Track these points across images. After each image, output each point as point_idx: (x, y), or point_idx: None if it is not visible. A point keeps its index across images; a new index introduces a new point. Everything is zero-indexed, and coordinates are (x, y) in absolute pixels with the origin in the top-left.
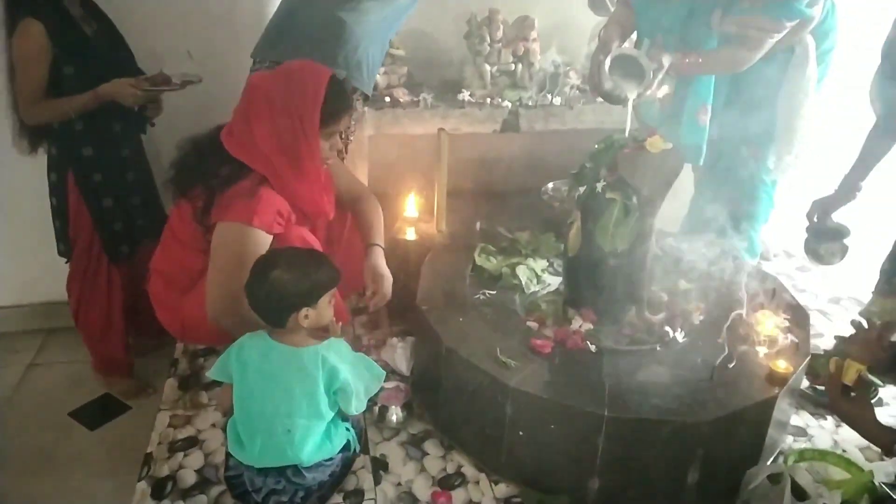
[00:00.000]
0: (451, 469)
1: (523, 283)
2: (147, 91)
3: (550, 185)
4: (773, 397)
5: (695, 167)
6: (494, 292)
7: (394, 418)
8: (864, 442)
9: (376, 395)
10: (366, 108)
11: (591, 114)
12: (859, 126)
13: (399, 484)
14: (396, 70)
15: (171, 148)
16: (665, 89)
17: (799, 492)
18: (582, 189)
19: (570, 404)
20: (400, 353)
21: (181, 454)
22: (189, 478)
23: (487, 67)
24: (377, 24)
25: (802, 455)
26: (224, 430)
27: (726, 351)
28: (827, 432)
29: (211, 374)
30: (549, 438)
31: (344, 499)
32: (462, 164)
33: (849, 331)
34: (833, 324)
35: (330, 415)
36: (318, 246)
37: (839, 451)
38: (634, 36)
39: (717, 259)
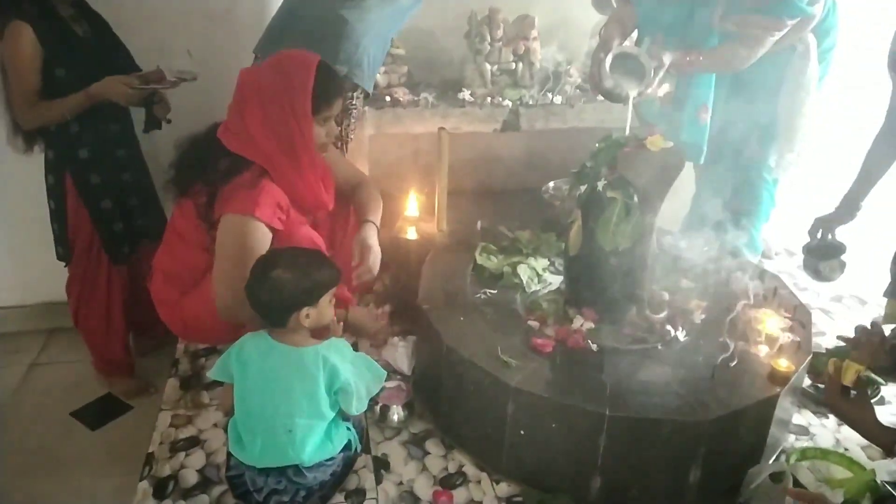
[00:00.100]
0: (452, 468)
1: (524, 282)
2: (140, 88)
3: (551, 183)
4: (775, 396)
5: (696, 165)
6: (495, 291)
7: (395, 418)
8: (866, 441)
9: (377, 394)
10: (366, 108)
11: (592, 112)
12: (859, 126)
13: (400, 483)
14: (397, 69)
15: (171, 148)
16: (666, 88)
17: None
18: (583, 188)
19: (571, 403)
20: (401, 353)
21: (183, 454)
22: (190, 477)
23: (488, 66)
24: (379, 23)
25: (804, 454)
26: (225, 429)
27: (733, 346)
28: (829, 431)
29: (212, 374)
30: (551, 438)
31: (345, 498)
32: (463, 163)
33: (850, 330)
34: (835, 322)
35: (331, 415)
36: (324, 248)
37: (841, 450)
38: (635, 34)
39: (719, 258)
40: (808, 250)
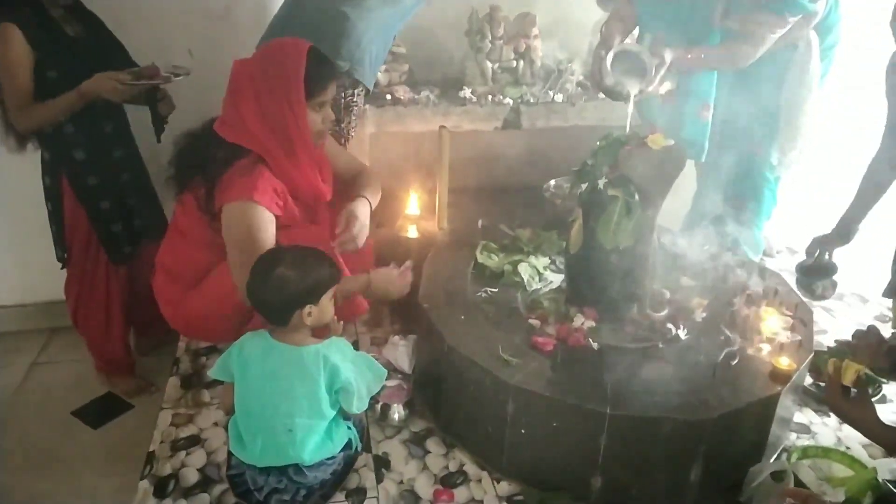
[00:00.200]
0: (453, 467)
1: (525, 280)
2: (132, 84)
3: (552, 182)
4: (776, 394)
5: (697, 163)
6: (496, 290)
7: (396, 416)
8: (868, 439)
9: (378, 393)
10: (367, 106)
11: (593, 110)
12: (859, 126)
13: (401, 482)
14: (398, 67)
15: (170, 146)
16: (667, 85)
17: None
18: (584, 186)
19: (572, 402)
20: (402, 352)
21: (183, 453)
22: (191, 476)
23: (489, 64)
24: (380, 20)
25: (806, 452)
26: (226, 428)
27: (737, 344)
28: (830, 429)
29: (212, 373)
30: (552, 436)
31: (346, 497)
32: (463, 161)
33: (851, 328)
34: (836, 320)
35: (331, 414)
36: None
37: (842, 449)
38: (636, 32)
39: (720, 256)
40: (803, 269)
